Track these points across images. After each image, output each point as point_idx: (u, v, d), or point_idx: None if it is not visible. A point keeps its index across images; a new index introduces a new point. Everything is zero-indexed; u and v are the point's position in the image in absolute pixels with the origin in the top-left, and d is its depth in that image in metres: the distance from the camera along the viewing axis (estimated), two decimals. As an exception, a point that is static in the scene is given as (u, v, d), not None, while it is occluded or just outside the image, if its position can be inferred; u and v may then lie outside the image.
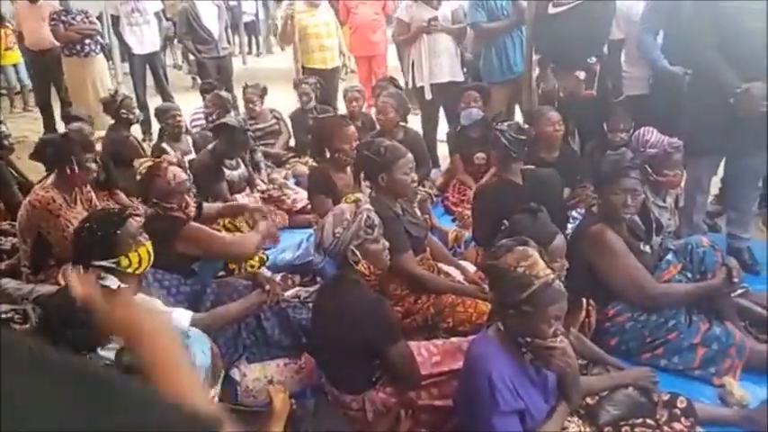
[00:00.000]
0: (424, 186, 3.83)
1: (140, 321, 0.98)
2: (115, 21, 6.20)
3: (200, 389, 0.81)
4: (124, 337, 1.03)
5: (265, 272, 2.79)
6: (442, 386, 1.99)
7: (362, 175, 2.69)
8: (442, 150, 4.83)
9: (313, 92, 5.03)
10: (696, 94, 3.08)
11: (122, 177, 3.75)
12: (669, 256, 2.54)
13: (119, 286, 1.92)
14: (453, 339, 2.18)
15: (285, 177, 4.53)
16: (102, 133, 4.66)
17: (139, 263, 2.01)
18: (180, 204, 2.55)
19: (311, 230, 3.27)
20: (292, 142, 5.14)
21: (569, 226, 3.00)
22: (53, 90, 6.33)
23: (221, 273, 2.75)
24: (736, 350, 2.33)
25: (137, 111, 4.66)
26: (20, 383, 0.42)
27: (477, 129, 4.08)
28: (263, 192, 4.07)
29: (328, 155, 3.26)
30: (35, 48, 6.14)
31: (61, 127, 5.36)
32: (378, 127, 4.32)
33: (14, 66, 7.95)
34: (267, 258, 2.89)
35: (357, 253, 2.02)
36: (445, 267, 2.76)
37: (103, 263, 1.94)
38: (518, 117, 4.53)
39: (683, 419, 1.95)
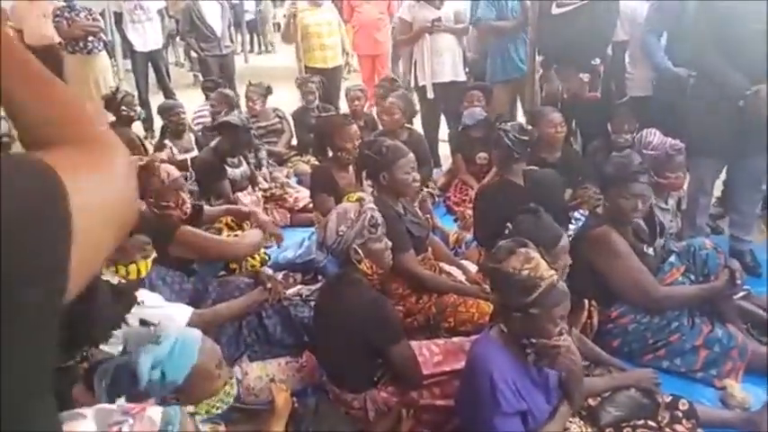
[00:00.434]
0: (426, 187, 3.83)
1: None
2: (118, 18, 6.20)
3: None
4: None
5: (267, 270, 2.78)
6: (444, 386, 1.98)
7: (364, 174, 2.69)
8: (444, 150, 4.83)
9: (317, 90, 5.04)
10: (700, 96, 3.08)
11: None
12: (672, 259, 2.54)
13: (119, 281, 1.92)
14: (455, 339, 2.18)
15: (287, 176, 4.53)
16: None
17: (138, 272, 2.00)
18: (176, 202, 2.53)
19: (313, 229, 3.27)
20: (294, 141, 5.14)
21: (571, 227, 3.00)
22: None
23: (222, 272, 2.75)
24: (738, 352, 2.33)
25: (138, 108, 4.66)
26: None
27: (479, 129, 4.08)
28: (265, 190, 4.07)
29: (330, 154, 3.26)
30: (36, 44, 6.13)
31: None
32: (380, 126, 4.32)
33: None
34: (269, 258, 2.89)
35: (360, 252, 2.02)
36: (447, 267, 2.76)
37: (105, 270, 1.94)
38: (520, 117, 4.55)
39: (684, 421, 1.95)
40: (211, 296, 2.47)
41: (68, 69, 5.95)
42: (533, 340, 1.61)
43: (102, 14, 6.42)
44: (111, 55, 7.13)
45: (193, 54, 6.62)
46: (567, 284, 1.67)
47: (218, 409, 1.67)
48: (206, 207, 3.00)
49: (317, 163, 3.95)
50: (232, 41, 7.78)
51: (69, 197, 0.51)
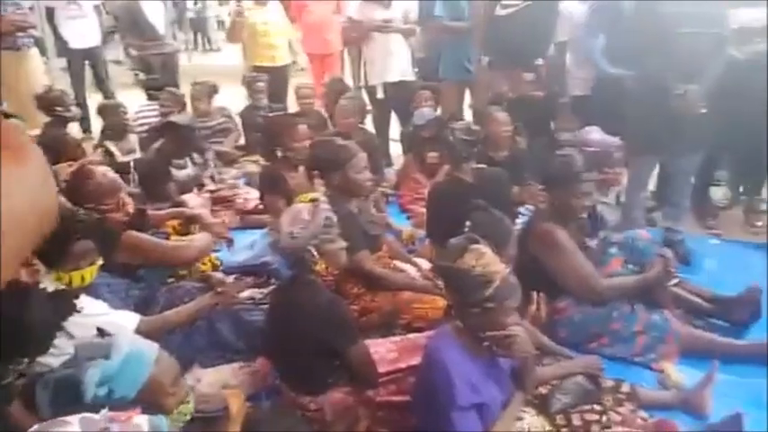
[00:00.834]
0: (379, 186, 3.86)
1: None
2: (50, 13, 5.90)
3: None
4: None
5: (217, 274, 2.73)
6: (401, 383, 2.01)
7: (316, 174, 2.68)
8: (396, 149, 4.87)
9: (266, 89, 4.97)
10: (637, 95, 3.23)
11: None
12: (612, 250, 2.66)
13: (56, 289, 1.84)
14: (411, 336, 2.21)
15: (235, 177, 4.45)
16: (38, 131, 4.44)
17: (82, 280, 1.93)
18: (117, 204, 2.45)
19: (263, 231, 3.23)
20: (242, 141, 5.06)
21: (517, 222, 3.09)
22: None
23: (170, 278, 2.68)
24: (674, 337, 2.47)
25: (73, 107, 4.46)
26: None
27: (429, 128, 4.13)
28: (212, 192, 3.99)
29: (280, 154, 3.23)
30: (-41, 41, 5.77)
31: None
32: (330, 125, 4.31)
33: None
34: (221, 262, 2.84)
35: (314, 253, 2.01)
36: (401, 265, 2.79)
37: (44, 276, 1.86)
38: (468, 117, 4.64)
39: (626, 404, 2.06)
40: (160, 303, 2.40)
41: (-3, 67, 5.63)
42: (489, 333, 1.66)
43: (31, 9, 6.11)
44: (43, 53, 6.80)
45: (133, 52, 6.40)
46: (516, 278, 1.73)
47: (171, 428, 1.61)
48: (151, 211, 2.92)
49: (266, 163, 3.90)
50: (175, 39, 7.56)
51: None
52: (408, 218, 3.87)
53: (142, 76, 5.74)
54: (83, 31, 5.88)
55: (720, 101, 2.95)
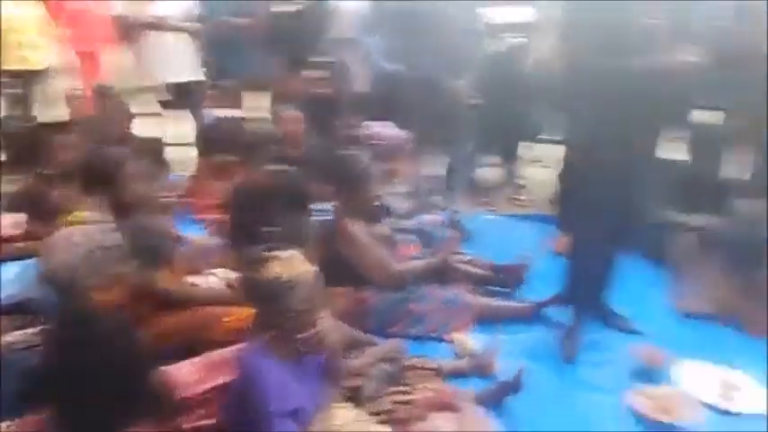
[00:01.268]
0: (166, 195, 3.58)
1: None
2: None
3: None
4: None
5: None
6: (209, 405, 1.90)
7: (86, 190, 2.39)
8: (187, 153, 4.57)
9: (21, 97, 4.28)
10: (416, 90, 3.49)
11: None
12: (404, 236, 2.85)
13: None
14: (213, 353, 2.10)
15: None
16: None
17: None
18: None
19: (28, 261, 2.78)
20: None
21: (317, 219, 3.14)
22: None
23: None
24: (465, 308, 2.73)
25: None
26: None
27: (221, 130, 3.96)
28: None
29: (42, 169, 2.82)
30: None
31: None
32: (100, 133, 3.87)
33: None
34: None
35: (94, 280, 1.79)
36: (200, 278, 2.63)
37: None
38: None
39: (432, 378, 2.21)
40: None
41: None
42: (299, 335, 1.65)
43: None
44: None
45: None
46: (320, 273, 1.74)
47: None
48: None
49: (24, 181, 3.37)
50: None
51: None
52: (204, 227, 3.67)
53: None
54: None
55: (487, 92, 3.34)
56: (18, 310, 2.58)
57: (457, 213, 3.73)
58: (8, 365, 2.09)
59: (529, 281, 3.03)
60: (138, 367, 1.75)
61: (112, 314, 1.90)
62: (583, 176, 2.44)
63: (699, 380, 2.36)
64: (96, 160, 2.35)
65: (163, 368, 1.88)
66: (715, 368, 2.41)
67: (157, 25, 4.32)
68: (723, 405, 2.24)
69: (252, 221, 2.18)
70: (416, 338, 2.62)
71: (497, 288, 3.05)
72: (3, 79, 4.49)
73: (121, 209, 2.32)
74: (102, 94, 4.06)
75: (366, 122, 3.37)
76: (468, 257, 3.14)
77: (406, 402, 2.02)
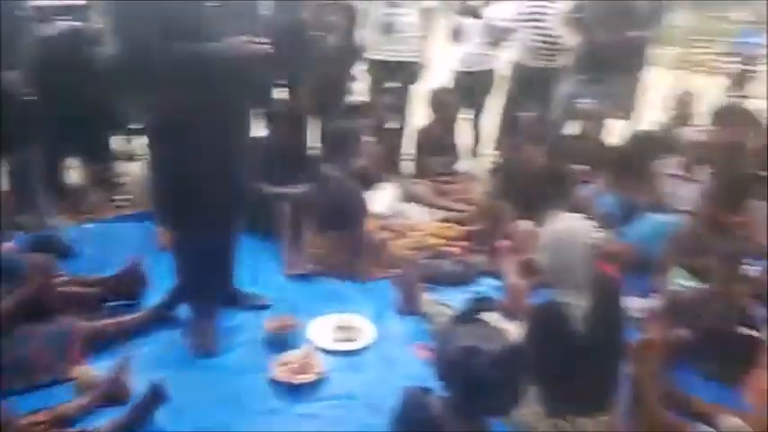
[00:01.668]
0: None
1: None
2: None
3: None
4: None
5: None
6: None
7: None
8: None
9: None
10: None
11: None
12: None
13: None
14: None
15: None
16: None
17: None
18: None
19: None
20: None
21: None
22: None
23: None
24: (76, 337, 2.33)
25: None
26: None
27: None
28: None
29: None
30: None
31: None
32: None
33: None
34: None
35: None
36: None
37: None
38: None
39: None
40: None
41: None
42: None
43: None
44: None
45: None
46: None
47: None
48: None
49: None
50: None
51: None
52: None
53: None
54: None
55: (45, 83, 2.82)
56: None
57: (48, 230, 3.15)
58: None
59: (152, 284, 2.78)
60: None
61: None
62: (164, 166, 2.32)
63: (324, 332, 2.61)
64: None
65: None
66: (336, 317, 2.69)
67: None
68: (344, 347, 2.54)
69: None
70: (27, 390, 2.15)
71: (121, 302, 2.71)
72: None
73: None
74: None
75: None
76: (69, 278, 2.69)
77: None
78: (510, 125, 4.34)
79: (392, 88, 4.40)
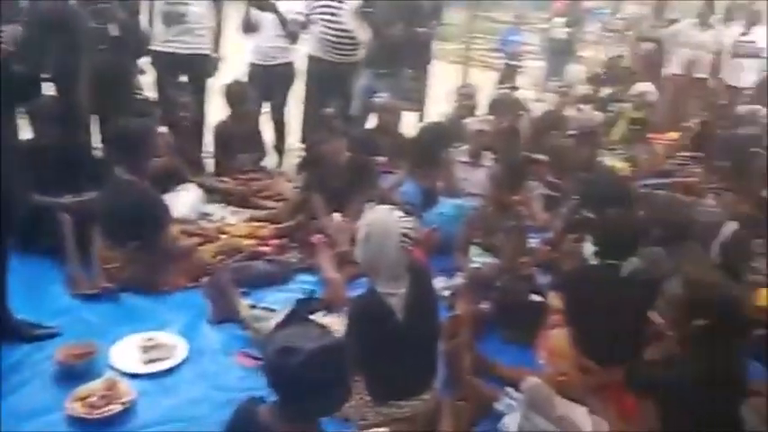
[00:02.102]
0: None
1: None
2: None
3: None
4: None
5: None
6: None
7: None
8: None
9: None
10: None
11: None
12: None
13: None
14: None
15: None
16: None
17: None
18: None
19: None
20: None
21: None
22: None
23: None
24: None
25: None
26: None
27: None
28: None
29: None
30: None
31: None
32: None
33: None
34: None
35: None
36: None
37: None
38: None
39: None
40: None
41: None
42: None
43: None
44: None
45: None
46: None
47: None
48: None
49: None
50: None
51: None
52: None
53: None
54: None
55: None
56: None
57: None
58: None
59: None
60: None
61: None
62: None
63: (130, 355, 2.33)
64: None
65: None
66: (141, 337, 2.42)
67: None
68: (155, 368, 2.30)
69: None
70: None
71: None
72: None
73: None
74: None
75: None
76: None
77: None
78: (312, 119, 4.35)
79: (183, 83, 4.09)
